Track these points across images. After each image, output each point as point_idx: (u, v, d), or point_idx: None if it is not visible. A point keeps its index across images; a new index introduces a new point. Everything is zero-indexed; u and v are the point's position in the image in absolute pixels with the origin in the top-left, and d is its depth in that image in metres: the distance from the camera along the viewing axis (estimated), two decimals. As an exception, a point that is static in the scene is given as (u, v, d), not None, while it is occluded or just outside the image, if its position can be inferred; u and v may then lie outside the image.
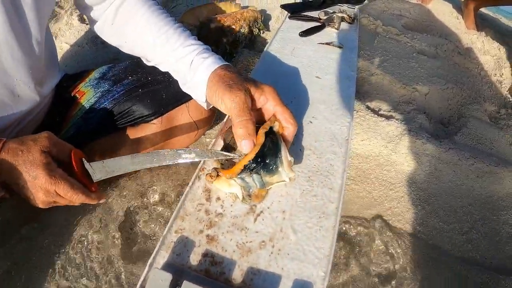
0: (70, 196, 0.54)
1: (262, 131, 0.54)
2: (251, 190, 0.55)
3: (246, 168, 0.53)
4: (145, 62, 0.73)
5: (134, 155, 0.56)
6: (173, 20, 0.69)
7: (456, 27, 1.84)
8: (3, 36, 0.57)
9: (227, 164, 0.59)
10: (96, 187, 0.59)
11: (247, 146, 0.53)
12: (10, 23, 0.57)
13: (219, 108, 0.59)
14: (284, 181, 0.56)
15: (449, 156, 1.07)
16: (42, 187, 0.52)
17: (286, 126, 0.57)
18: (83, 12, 0.73)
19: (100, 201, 0.59)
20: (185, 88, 0.67)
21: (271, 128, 0.56)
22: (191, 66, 0.62)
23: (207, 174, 0.58)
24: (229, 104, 0.54)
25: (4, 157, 0.51)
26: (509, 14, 2.18)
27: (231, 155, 0.56)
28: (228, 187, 0.55)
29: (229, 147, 0.61)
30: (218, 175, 0.56)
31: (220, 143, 0.64)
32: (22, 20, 0.60)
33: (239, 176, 0.53)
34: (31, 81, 0.69)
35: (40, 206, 0.55)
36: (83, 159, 0.57)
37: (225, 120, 0.70)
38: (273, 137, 0.55)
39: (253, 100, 0.57)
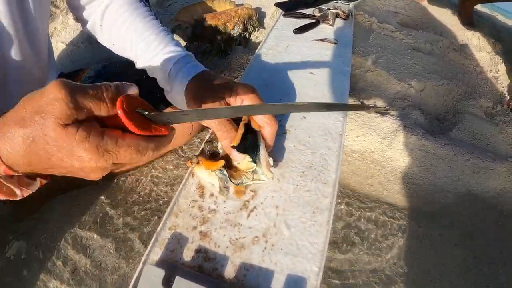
0: (134, 159, 0.40)
1: (242, 123, 0.55)
2: (227, 183, 0.55)
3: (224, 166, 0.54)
4: (135, 65, 0.74)
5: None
6: (156, 24, 0.68)
7: (452, 24, 1.84)
8: (8, 31, 0.57)
9: (208, 155, 0.59)
10: (166, 129, 0.42)
11: (234, 157, 0.54)
12: (15, 18, 0.57)
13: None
14: (262, 180, 0.56)
15: (444, 152, 1.07)
16: (93, 168, 0.38)
17: (262, 125, 0.56)
18: (75, 13, 0.73)
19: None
20: (168, 97, 0.68)
21: (249, 124, 0.56)
22: (169, 76, 0.63)
23: (188, 160, 0.57)
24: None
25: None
26: (504, 11, 2.18)
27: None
28: (208, 176, 0.55)
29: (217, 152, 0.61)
30: (198, 163, 0.56)
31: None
32: (25, 14, 0.60)
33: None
34: (35, 80, 0.69)
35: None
36: (139, 109, 0.40)
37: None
38: (253, 136, 0.56)
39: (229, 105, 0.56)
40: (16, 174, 0.40)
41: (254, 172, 0.55)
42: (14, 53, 0.60)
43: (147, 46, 0.65)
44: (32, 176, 0.43)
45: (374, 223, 0.96)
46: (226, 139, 0.55)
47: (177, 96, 0.62)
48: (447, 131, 1.19)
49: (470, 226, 1.01)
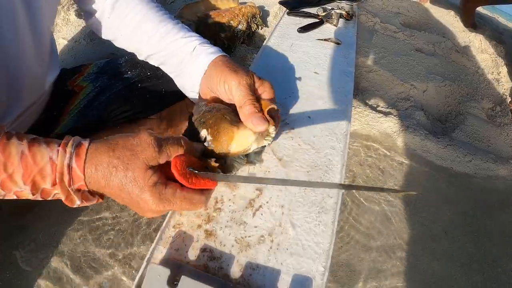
0: (188, 209, 0.48)
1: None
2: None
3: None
4: (138, 56, 0.73)
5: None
6: (171, 16, 0.69)
7: (454, 26, 1.84)
8: (15, 24, 0.57)
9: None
10: (212, 183, 0.50)
11: (259, 122, 0.52)
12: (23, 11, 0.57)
13: (216, 92, 0.59)
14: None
15: (446, 153, 1.07)
16: (152, 210, 0.46)
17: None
18: (80, 5, 0.72)
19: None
20: (176, 77, 0.67)
21: None
22: (193, 52, 0.62)
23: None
24: (235, 85, 0.55)
25: (97, 163, 0.44)
26: (506, 14, 2.18)
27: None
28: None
29: (194, 129, 0.57)
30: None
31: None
32: (33, 8, 0.60)
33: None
34: (38, 73, 0.68)
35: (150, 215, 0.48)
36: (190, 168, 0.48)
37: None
38: None
39: (255, 86, 0.57)
40: (85, 189, 0.46)
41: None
42: (18, 49, 0.59)
43: (166, 32, 0.65)
44: (93, 193, 0.47)
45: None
46: (253, 105, 0.54)
47: (194, 72, 0.62)
48: (449, 132, 1.19)
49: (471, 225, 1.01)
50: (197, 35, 0.66)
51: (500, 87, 1.52)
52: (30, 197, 0.45)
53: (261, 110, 0.54)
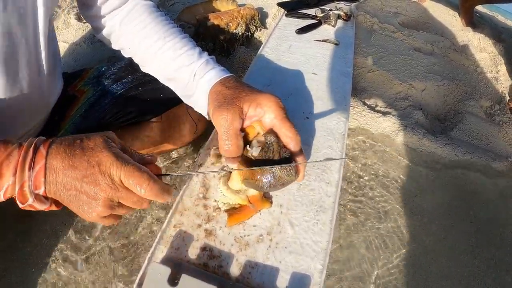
0: (142, 184, 0.44)
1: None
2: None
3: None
4: (143, 69, 0.73)
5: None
6: (179, 30, 0.68)
7: (453, 25, 1.85)
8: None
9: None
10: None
11: (231, 165, 0.54)
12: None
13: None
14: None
15: (445, 152, 1.08)
16: (106, 174, 0.43)
17: (286, 141, 0.52)
18: (89, 21, 0.73)
19: (168, 200, 0.48)
20: (187, 101, 0.66)
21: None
22: (194, 78, 0.61)
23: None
24: (216, 123, 0.53)
25: (54, 161, 0.43)
26: (505, 11, 2.19)
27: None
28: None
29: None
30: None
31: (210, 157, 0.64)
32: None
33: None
34: (48, 80, 0.69)
35: (95, 214, 0.45)
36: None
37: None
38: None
39: (246, 114, 0.54)
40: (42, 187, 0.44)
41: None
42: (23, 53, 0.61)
43: (172, 47, 0.64)
44: (47, 197, 0.45)
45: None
46: (227, 152, 0.53)
47: (198, 101, 0.62)
48: (447, 131, 1.20)
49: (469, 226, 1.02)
50: (200, 51, 0.65)
51: (499, 85, 1.53)
52: None
53: (237, 153, 0.53)
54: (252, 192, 0.55)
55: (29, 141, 0.44)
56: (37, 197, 0.44)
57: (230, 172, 0.56)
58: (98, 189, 0.43)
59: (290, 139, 0.52)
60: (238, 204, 0.55)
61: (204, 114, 0.62)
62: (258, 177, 0.50)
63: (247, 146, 0.53)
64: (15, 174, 0.42)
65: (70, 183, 0.43)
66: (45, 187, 0.43)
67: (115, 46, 0.74)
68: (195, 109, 0.65)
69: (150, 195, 0.44)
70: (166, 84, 0.69)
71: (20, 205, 0.44)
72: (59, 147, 0.44)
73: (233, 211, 0.55)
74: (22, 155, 0.43)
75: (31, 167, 0.43)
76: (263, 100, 0.53)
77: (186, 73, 0.62)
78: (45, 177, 0.43)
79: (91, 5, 0.68)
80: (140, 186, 0.43)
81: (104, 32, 0.72)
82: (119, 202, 0.45)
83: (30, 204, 0.44)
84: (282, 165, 0.49)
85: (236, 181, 0.55)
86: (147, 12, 0.68)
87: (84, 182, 0.43)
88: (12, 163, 0.42)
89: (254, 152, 0.52)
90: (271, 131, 0.53)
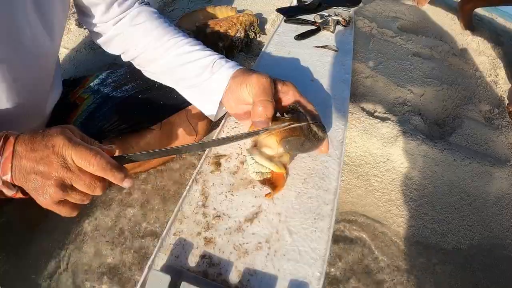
0: (90, 159, 0.45)
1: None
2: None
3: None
4: (146, 74, 0.75)
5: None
6: (185, 34, 0.73)
7: (451, 28, 1.85)
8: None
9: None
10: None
11: (261, 125, 0.56)
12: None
13: (240, 98, 0.61)
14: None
15: (444, 157, 1.08)
16: (59, 154, 0.45)
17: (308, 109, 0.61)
18: (88, 27, 0.75)
19: (126, 185, 0.49)
20: (193, 89, 0.69)
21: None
22: (213, 66, 0.65)
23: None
24: (254, 85, 0.58)
25: (19, 147, 0.46)
26: (505, 13, 2.18)
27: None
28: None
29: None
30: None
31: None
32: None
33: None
34: (48, 85, 0.71)
35: (49, 199, 0.47)
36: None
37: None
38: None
39: (276, 90, 0.61)
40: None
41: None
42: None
43: (183, 45, 0.69)
44: (14, 184, 0.48)
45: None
46: (265, 107, 0.57)
47: (215, 85, 0.65)
48: (446, 136, 1.20)
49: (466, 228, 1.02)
50: (212, 51, 0.69)
51: (498, 89, 1.53)
52: None
53: (271, 114, 0.57)
54: (285, 158, 0.57)
55: (2, 133, 0.47)
56: (4, 183, 0.46)
57: (255, 143, 0.58)
58: (51, 168, 0.45)
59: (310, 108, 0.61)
60: (270, 172, 0.56)
61: (214, 100, 0.66)
62: (298, 132, 0.54)
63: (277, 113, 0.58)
64: None
65: (29, 166, 0.45)
66: (11, 173, 0.46)
67: (116, 50, 0.75)
68: (199, 100, 0.70)
69: (98, 169, 0.46)
70: (173, 74, 0.71)
71: None
72: (25, 136, 0.47)
73: (267, 181, 0.56)
74: None
75: (0, 154, 0.46)
76: (287, 82, 0.63)
77: (204, 61, 0.66)
78: (11, 163, 0.45)
79: (91, 15, 0.70)
80: (89, 162, 0.45)
81: (105, 37, 0.73)
82: (72, 186, 0.47)
83: None
84: (315, 121, 0.57)
85: (272, 143, 0.55)
86: (153, 17, 0.72)
87: (40, 164, 0.45)
88: None
89: (286, 115, 0.58)
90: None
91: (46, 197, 0.46)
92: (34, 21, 0.59)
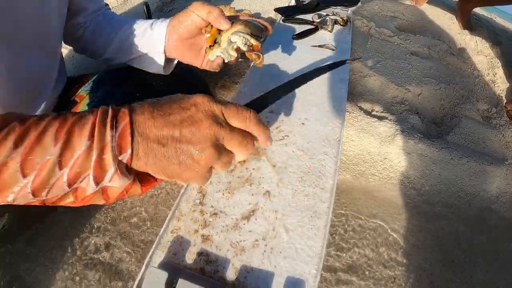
0: (245, 115, 0.40)
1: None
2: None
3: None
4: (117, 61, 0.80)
5: None
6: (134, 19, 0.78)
7: (450, 28, 1.86)
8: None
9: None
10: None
11: (224, 23, 0.62)
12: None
13: (185, 30, 0.65)
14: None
15: (441, 156, 1.09)
16: (207, 111, 0.38)
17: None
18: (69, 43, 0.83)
19: (270, 144, 0.43)
20: (142, 55, 0.74)
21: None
22: (152, 25, 0.70)
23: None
24: (199, 6, 0.61)
25: (139, 117, 0.37)
26: (504, 13, 2.19)
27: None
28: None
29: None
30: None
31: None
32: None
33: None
34: (54, 81, 0.72)
35: (204, 166, 0.38)
36: None
37: None
38: None
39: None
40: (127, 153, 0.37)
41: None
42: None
43: (135, 24, 0.74)
44: (129, 170, 0.39)
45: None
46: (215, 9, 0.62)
47: (156, 37, 0.69)
48: (444, 135, 1.21)
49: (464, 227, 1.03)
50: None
51: (496, 88, 1.54)
52: (55, 174, 0.34)
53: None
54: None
55: (102, 106, 0.37)
56: (119, 166, 0.36)
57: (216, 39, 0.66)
58: (201, 127, 0.37)
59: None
60: (250, 44, 0.64)
61: (159, 50, 0.70)
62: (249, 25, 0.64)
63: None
64: (91, 136, 0.34)
65: (165, 135, 0.37)
66: (132, 149, 0.36)
67: (85, 48, 0.82)
68: (149, 62, 0.74)
69: (252, 124, 0.40)
70: (125, 50, 0.76)
71: (90, 189, 0.36)
72: (142, 104, 0.38)
73: (252, 51, 0.65)
74: (99, 116, 0.35)
75: (113, 126, 0.35)
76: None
77: (144, 25, 0.72)
78: (131, 136, 0.36)
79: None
80: (244, 116, 0.40)
81: (81, 43, 0.81)
82: (223, 146, 0.40)
83: (107, 181, 0.36)
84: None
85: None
86: (115, 16, 0.80)
87: (183, 127, 0.37)
88: (88, 125, 0.35)
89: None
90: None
91: (201, 163, 0.38)
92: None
